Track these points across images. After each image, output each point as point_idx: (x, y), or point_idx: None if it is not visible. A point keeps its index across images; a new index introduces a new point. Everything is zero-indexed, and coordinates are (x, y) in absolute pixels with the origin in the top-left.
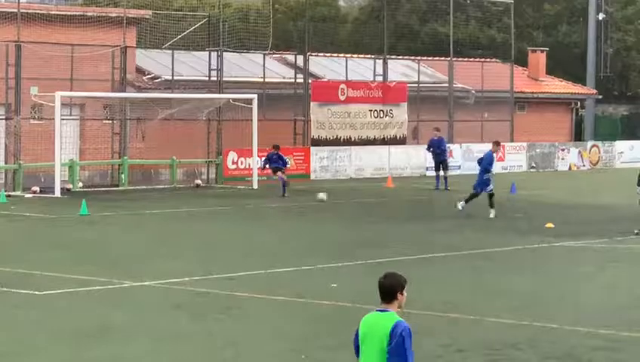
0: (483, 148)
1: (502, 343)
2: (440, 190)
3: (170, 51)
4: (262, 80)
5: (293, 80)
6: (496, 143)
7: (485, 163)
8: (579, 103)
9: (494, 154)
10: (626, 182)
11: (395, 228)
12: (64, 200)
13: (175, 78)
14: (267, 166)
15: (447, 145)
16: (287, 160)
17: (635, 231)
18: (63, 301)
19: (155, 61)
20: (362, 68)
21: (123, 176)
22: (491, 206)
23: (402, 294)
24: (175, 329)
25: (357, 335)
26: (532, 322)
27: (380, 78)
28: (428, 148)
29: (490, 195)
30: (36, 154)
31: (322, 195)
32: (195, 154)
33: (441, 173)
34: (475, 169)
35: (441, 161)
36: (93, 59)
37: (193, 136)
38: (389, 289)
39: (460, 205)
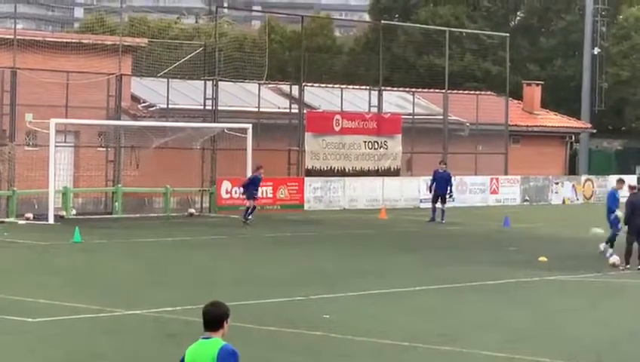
0: (477, 180)
1: None
2: (435, 222)
3: (165, 80)
4: (257, 110)
5: (288, 110)
6: (620, 181)
7: (609, 203)
8: (573, 137)
9: (617, 192)
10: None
11: (389, 259)
12: (57, 228)
13: (170, 106)
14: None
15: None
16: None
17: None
18: (54, 328)
19: (150, 89)
20: (357, 99)
21: (117, 203)
22: (608, 242)
23: (227, 323)
24: (166, 358)
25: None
26: (525, 356)
27: (375, 110)
28: (432, 181)
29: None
30: (30, 180)
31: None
32: (189, 183)
33: (439, 205)
34: (469, 201)
35: (441, 195)
36: (89, 86)
37: (187, 164)
38: (216, 318)
39: (602, 246)
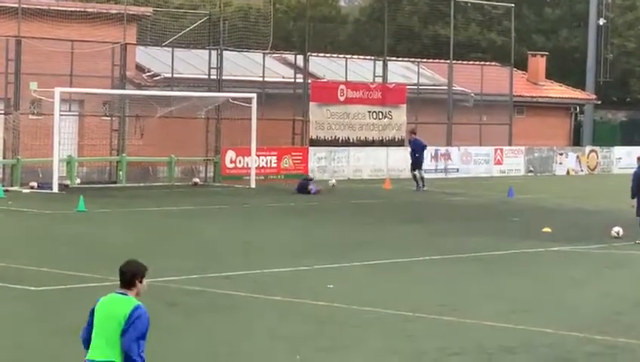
0: (481, 151)
1: (497, 347)
2: (420, 189)
3: (170, 49)
4: (261, 79)
5: (292, 80)
6: None
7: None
8: (578, 108)
9: None
10: (624, 188)
11: (392, 229)
12: (62, 196)
13: (175, 75)
14: None
15: (446, 147)
16: None
17: (637, 241)
18: (58, 297)
19: (155, 58)
20: (362, 69)
21: (121, 173)
22: None
23: (141, 282)
24: (170, 328)
25: (92, 312)
26: (528, 326)
27: (380, 80)
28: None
29: None
30: (34, 149)
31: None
32: (194, 153)
33: (417, 173)
34: (473, 172)
35: (417, 162)
36: (93, 55)
37: (192, 134)
38: (130, 276)
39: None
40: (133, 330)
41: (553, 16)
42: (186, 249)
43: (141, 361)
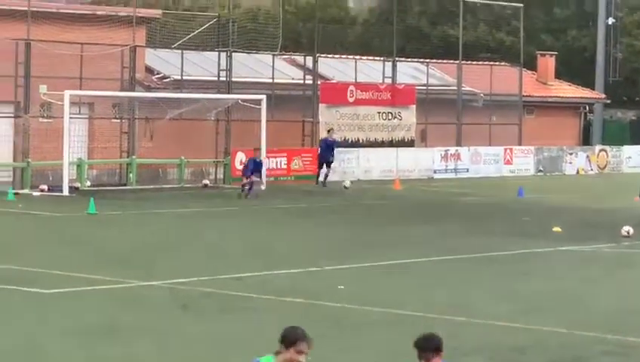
0: (491, 151)
1: (510, 347)
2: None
3: (179, 51)
4: (271, 81)
5: (302, 81)
6: None
7: None
8: (587, 108)
9: None
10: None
11: (403, 230)
12: (72, 199)
13: (184, 77)
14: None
15: (456, 148)
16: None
17: None
18: (69, 300)
19: (164, 61)
20: (371, 70)
21: (131, 175)
22: None
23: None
24: (182, 330)
25: None
26: (540, 326)
27: (389, 80)
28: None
29: None
30: (45, 152)
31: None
32: (204, 155)
33: (325, 170)
34: (483, 172)
35: (326, 161)
36: (103, 58)
37: (201, 136)
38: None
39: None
40: None
41: (562, 15)
42: (196, 251)
43: None
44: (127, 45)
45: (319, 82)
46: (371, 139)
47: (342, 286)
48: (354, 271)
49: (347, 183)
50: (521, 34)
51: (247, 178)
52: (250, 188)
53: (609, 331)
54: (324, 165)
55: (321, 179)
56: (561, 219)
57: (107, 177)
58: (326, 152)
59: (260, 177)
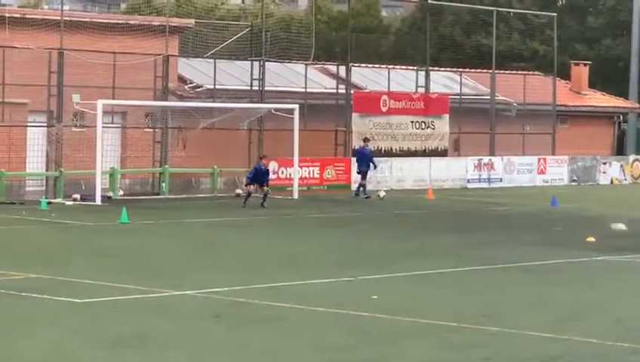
0: (524, 160)
1: (542, 357)
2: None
3: (212, 60)
4: (304, 90)
5: (335, 90)
6: None
7: None
8: (621, 117)
9: None
10: None
11: (436, 240)
12: (104, 208)
13: (217, 87)
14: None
15: (489, 157)
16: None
17: None
18: (102, 309)
19: (197, 70)
20: (404, 79)
21: (164, 184)
22: None
23: None
24: (214, 339)
25: None
26: (572, 336)
27: (422, 90)
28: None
29: None
30: (77, 161)
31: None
32: (236, 164)
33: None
34: (516, 181)
35: (363, 171)
36: (136, 67)
37: (234, 145)
38: None
39: None
40: None
41: (596, 24)
42: (229, 260)
43: None
44: (160, 54)
45: (352, 91)
46: (404, 149)
47: (375, 296)
48: (386, 280)
49: (382, 193)
50: (554, 43)
51: (246, 186)
52: (246, 199)
53: None
54: (361, 175)
55: (354, 189)
56: (595, 229)
57: (140, 186)
58: (361, 162)
59: (265, 185)
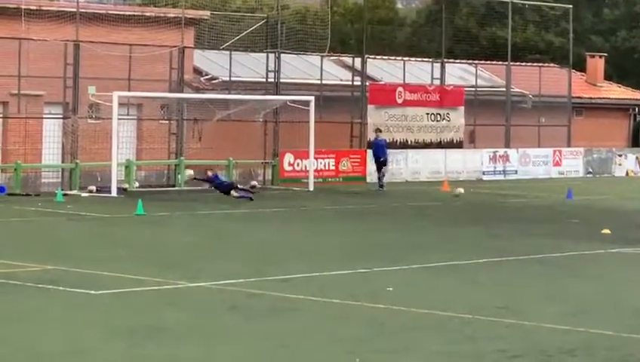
0: (540, 152)
1: (558, 349)
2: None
3: (227, 52)
4: (319, 82)
5: (350, 82)
6: None
7: None
8: (637, 109)
9: None
10: None
11: (451, 232)
12: (120, 200)
13: (232, 79)
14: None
15: (504, 149)
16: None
17: None
18: (117, 300)
19: (212, 62)
20: (419, 71)
21: (179, 176)
22: None
23: None
24: (229, 331)
25: None
26: (588, 328)
27: (438, 82)
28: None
29: None
30: (93, 153)
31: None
32: (252, 156)
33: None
34: (532, 173)
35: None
36: (151, 59)
37: (250, 137)
38: None
39: None
40: None
41: (611, 16)
42: (245, 252)
43: None
44: (175, 46)
45: (367, 83)
46: (420, 141)
47: (390, 288)
48: (402, 272)
49: (460, 190)
50: (570, 35)
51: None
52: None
53: None
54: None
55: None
56: (610, 221)
57: (155, 178)
58: (378, 152)
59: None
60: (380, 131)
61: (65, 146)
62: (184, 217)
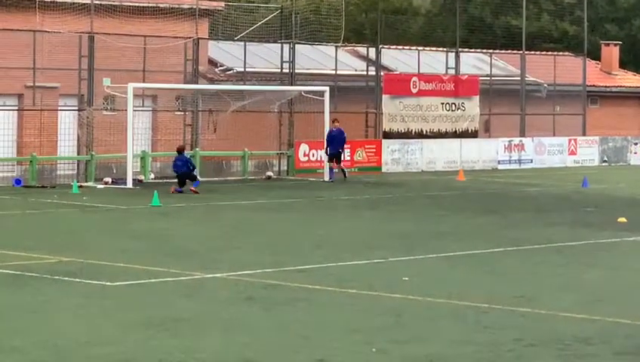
0: (555, 141)
1: (574, 338)
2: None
3: (242, 43)
4: (334, 72)
5: (365, 72)
6: None
7: None
8: None
9: None
10: None
11: (467, 221)
12: (136, 192)
13: (247, 69)
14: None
15: (520, 138)
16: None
17: None
18: (134, 292)
19: (227, 53)
20: (434, 61)
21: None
22: None
23: None
24: (246, 321)
25: None
26: (604, 317)
27: (452, 71)
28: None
29: None
30: (108, 145)
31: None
32: (267, 146)
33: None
34: (547, 162)
35: (335, 155)
36: (166, 50)
37: (265, 127)
38: None
39: None
40: None
41: (626, 4)
42: (261, 243)
43: None
44: (190, 38)
45: (382, 73)
46: (435, 130)
47: (406, 278)
48: (418, 262)
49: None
50: (584, 23)
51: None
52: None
53: None
54: (334, 160)
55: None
56: (626, 210)
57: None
58: (334, 145)
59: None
60: (337, 121)
61: (80, 138)
62: (199, 208)
